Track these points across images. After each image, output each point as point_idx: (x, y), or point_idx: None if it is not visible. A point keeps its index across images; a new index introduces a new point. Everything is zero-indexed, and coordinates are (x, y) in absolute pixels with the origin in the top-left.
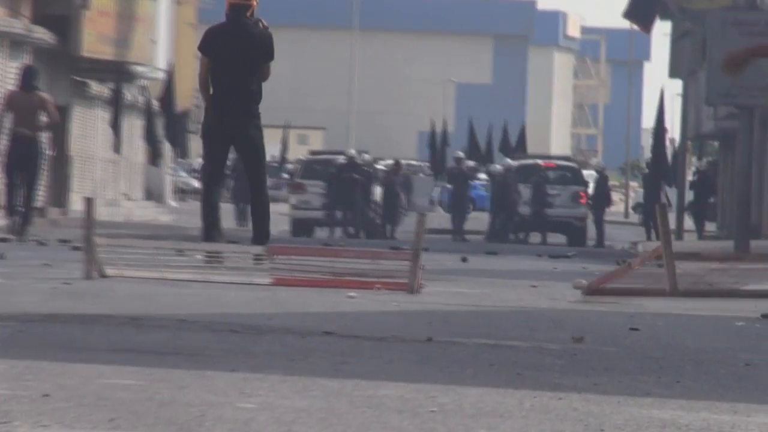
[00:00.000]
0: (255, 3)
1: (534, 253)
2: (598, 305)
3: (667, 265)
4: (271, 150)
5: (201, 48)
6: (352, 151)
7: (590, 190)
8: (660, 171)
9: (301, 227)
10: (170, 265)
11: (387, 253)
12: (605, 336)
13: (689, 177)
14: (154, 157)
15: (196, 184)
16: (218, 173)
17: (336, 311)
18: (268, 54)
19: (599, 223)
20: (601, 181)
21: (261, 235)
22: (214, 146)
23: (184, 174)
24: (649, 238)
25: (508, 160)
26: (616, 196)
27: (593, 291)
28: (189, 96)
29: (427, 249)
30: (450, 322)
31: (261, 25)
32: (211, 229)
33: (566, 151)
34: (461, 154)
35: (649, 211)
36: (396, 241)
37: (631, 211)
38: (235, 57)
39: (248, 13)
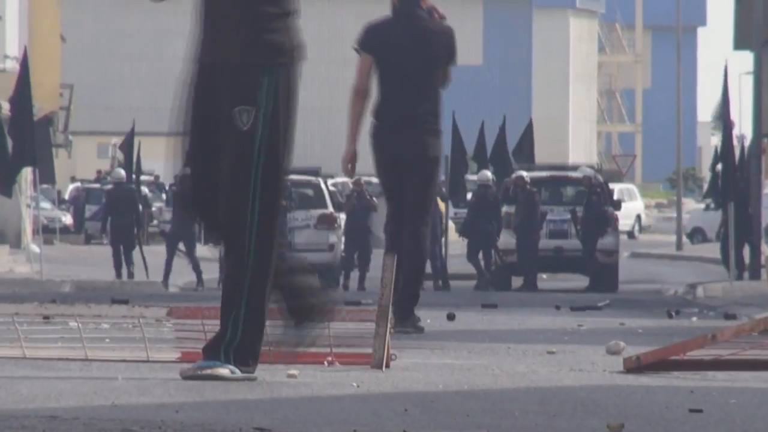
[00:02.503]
0: None
1: (549, 304)
2: (644, 377)
3: None
4: (156, 167)
5: (361, 45)
6: None
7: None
8: (730, 182)
9: None
10: (34, 338)
11: (341, 312)
12: (654, 421)
13: (766, 189)
14: (5, 183)
15: (66, 218)
16: (401, 213)
17: (271, 397)
18: (450, 54)
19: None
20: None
21: (410, 293)
22: (387, 174)
23: (48, 206)
24: (740, 276)
25: (523, 172)
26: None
27: (645, 367)
28: (53, 95)
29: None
30: (433, 409)
31: (436, 15)
32: (409, 299)
33: (591, 156)
34: (489, 175)
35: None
36: (353, 293)
37: (685, 239)
38: (409, 59)
39: (422, 2)
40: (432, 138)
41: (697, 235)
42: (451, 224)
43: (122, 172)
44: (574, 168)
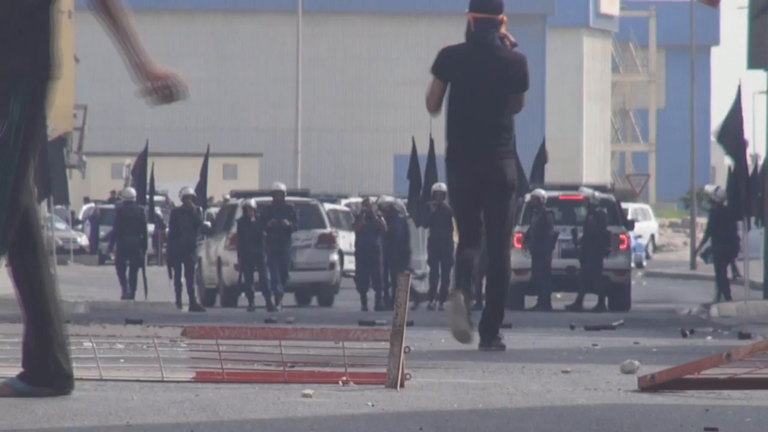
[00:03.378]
0: (505, 18)
1: (563, 323)
2: (659, 396)
3: None
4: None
5: (436, 69)
6: (281, 186)
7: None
8: (738, 201)
9: (231, 295)
10: None
11: (356, 332)
12: None
13: None
14: None
15: (82, 239)
16: (475, 231)
17: (286, 417)
18: (522, 82)
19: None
20: (720, 213)
21: (495, 313)
22: (462, 197)
23: (63, 226)
24: (719, 298)
25: (541, 192)
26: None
27: (660, 386)
28: (66, 116)
29: (412, 323)
30: (448, 428)
31: (508, 43)
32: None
33: (604, 176)
34: (543, 193)
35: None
36: (368, 314)
37: (699, 259)
38: (481, 85)
39: (497, 31)
40: (507, 161)
41: (709, 254)
42: None
43: (132, 191)
44: (575, 188)
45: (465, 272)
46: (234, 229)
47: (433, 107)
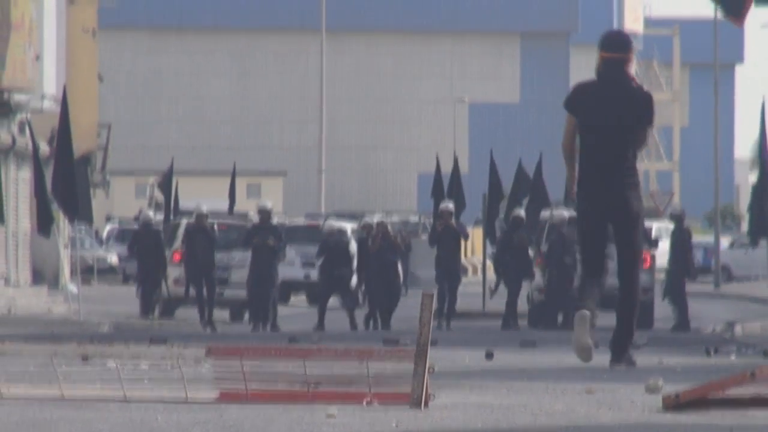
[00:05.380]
0: (633, 56)
1: None
2: (683, 415)
3: None
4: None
5: (568, 106)
6: (268, 204)
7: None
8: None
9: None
10: (73, 378)
11: (380, 352)
12: None
13: None
14: (44, 223)
15: (112, 258)
16: (599, 261)
17: None
18: (648, 117)
19: (679, 294)
20: (680, 233)
21: (625, 331)
22: (588, 224)
23: (93, 245)
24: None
25: (564, 212)
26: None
27: (684, 405)
28: (90, 134)
29: (436, 343)
30: None
31: (635, 82)
32: (624, 345)
33: None
34: (566, 215)
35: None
36: (391, 332)
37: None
38: (611, 120)
39: (626, 68)
40: (633, 192)
41: (723, 273)
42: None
43: (150, 215)
44: None
45: (591, 296)
46: (176, 245)
47: (566, 143)
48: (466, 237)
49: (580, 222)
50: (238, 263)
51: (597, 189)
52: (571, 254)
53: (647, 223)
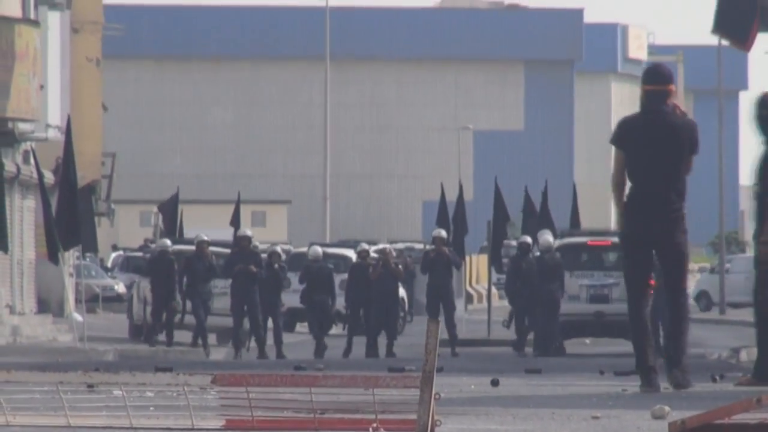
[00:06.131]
0: (674, 88)
1: (593, 369)
2: None
3: None
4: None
5: (615, 142)
6: (248, 232)
7: None
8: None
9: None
10: (78, 407)
11: (386, 379)
12: None
13: None
14: (52, 251)
15: (119, 287)
16: (644, 290)
17: None
18: (694, 146)
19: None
20: None
21: (677, 351)
22: (635, 257)
23: (99, 273)
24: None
25: (549, 237)
26: None
27: (690, 431)
28: (95, 163)
29: (442, 369)
30: None
31: (678, 112)
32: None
33: None
34: (551, 239)
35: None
36: (396, 359)
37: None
38: (658, 151)
39: (667, 100)
40: (679, 223)
41: (702, 299)
42: (494, 290)
43: (167, 242)
44: (604, 233)
45: (646, 340)
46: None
47: (617, 179)
48: (458, 266)
49: (625, 245)
50: (220, 291)
51: (645, 217)
52: (533, 282)
53: None
